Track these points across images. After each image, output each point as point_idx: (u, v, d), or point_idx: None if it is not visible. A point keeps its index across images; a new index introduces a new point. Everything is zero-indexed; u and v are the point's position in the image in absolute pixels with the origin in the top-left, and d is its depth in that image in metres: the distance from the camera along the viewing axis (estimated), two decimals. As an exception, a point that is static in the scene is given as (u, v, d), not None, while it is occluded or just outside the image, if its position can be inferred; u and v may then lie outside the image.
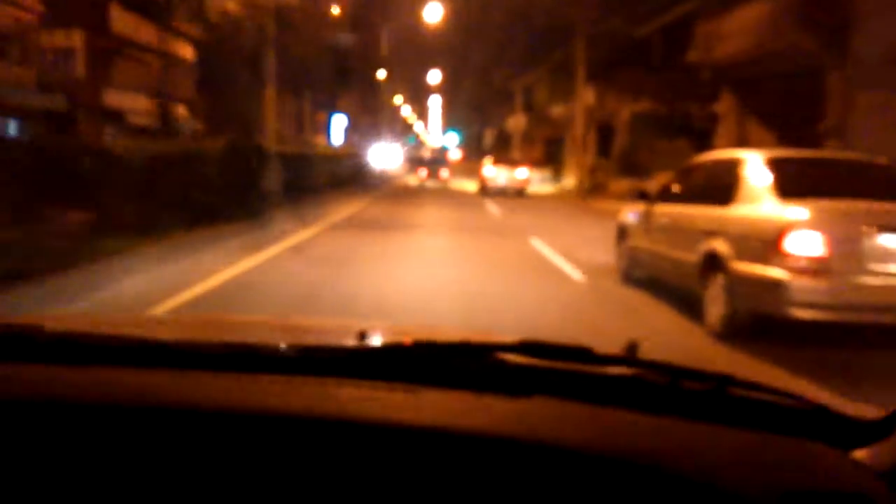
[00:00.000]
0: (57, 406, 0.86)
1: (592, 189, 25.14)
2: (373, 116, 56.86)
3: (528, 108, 40.66)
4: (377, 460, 0.80)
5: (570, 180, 29.05)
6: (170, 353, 1.01)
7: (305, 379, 0.95)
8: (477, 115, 59.96)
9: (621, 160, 24.80)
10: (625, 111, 24.84)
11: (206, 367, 0.97)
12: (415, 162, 34.49)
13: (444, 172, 30.98)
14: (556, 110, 33.16)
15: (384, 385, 0.93)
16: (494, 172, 26.00)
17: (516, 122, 43.73)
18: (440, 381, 0.95)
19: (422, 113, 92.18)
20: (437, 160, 33.41)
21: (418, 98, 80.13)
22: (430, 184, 30.03)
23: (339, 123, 36.73)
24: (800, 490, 0.77)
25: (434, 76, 68.02)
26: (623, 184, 20.56)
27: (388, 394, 0.91)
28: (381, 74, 49.31)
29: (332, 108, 39.30)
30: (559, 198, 25.73)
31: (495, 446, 0.81)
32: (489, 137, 57.36)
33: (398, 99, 58.33)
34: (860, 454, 0.86)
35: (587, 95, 26.74)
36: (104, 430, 0.83)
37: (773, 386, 0.99)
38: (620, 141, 25.43)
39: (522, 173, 26.09)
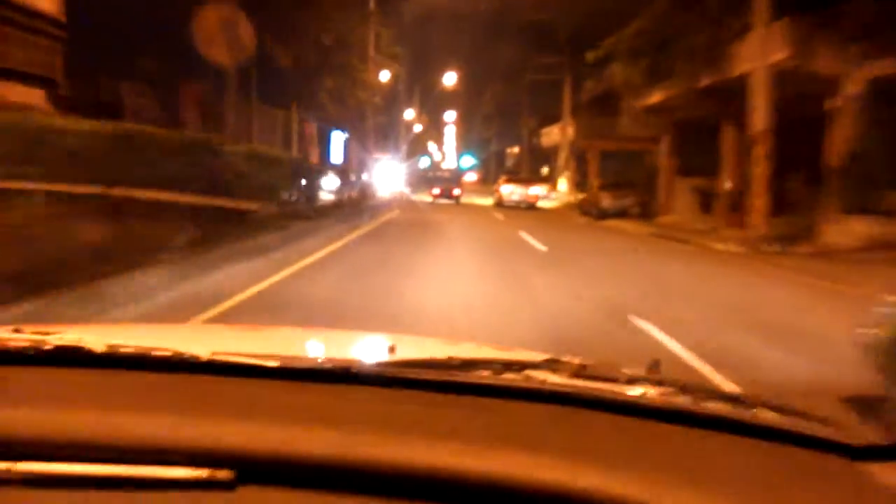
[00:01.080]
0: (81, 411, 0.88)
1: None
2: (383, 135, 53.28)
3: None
4: (413, 478, 0.81)
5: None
6: (204, 365, 1.02)
7: (342, 392, 0.98)
8: (501, 130, 60.04)
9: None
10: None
11: (244, 378, 0.99)
12: (430, 181, 36.19)
13: (456, 191, 32.41)
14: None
15: (417, 398, 0.97)
16: (510, 189, 30.44)
17: (562, 130, 37.55)
18: (475, 394, 0.98)
19: (437, 136, 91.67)
20: (451, 180, 34.92)
21: (434, 122, 79.69)
22: (443, 201, 31.51)
23: (337, 139, 34.18)
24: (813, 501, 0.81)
25: (450, 101, 69.56)
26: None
27: (421, 408, 0.94)
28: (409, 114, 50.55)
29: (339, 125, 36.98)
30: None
31: (526, 458, 0.82)
32: (511, 157, 58.60)
33: (409, 113, 55.87)
34: (874, 471, 0.88)
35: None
36: (123, 439, 0.84)
37: (791, 406, 1.05)
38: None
39: (535, 190, 30.64)
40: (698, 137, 22.41)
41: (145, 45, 16.64)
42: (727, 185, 19.22)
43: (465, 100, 66.02)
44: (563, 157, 34.44)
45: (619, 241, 17.10)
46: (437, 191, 32.61)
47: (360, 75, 25.36)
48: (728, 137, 19.36)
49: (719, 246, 14.61)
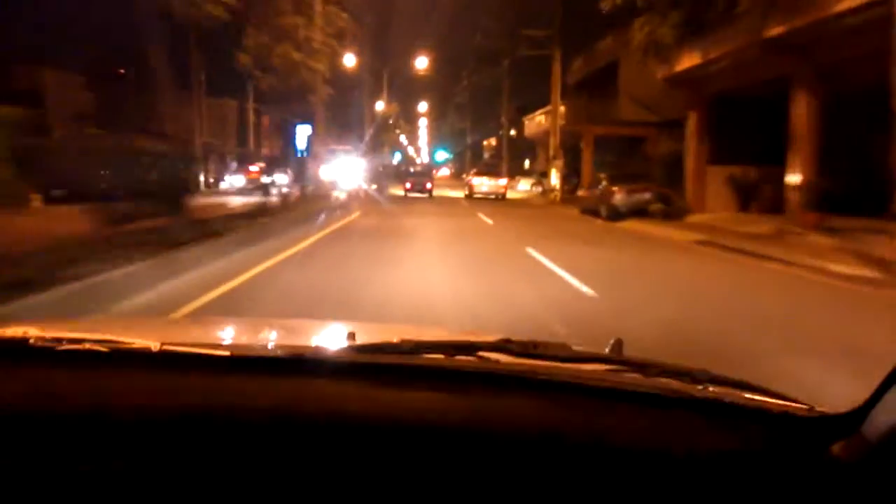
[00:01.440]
0: (47, 409, 0.88)
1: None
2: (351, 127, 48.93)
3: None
4: (368, 457, 0.83)
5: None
6: (163, 358, 1.01)
7: (296, 378, 0.98)
8: (476, 120, 58.44)
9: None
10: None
11: (201, 370, 0.98)
12: (402, 176, 36.37)
13: (429, 185, 32.34)
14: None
15: (372, 383, 0.96)
16: (479, 181, 32.14)
17: (553, 114, 31.41)
18: (424, 378, 0.98)
19: (411, 130, 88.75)
20: (423, 174, 34.66)
21: (406, 114, 75.81)
22: (415, 195, 31.29)
23: (303, 133, 33.45)
24: (758, 475, 0.82)
25: (423, 91, 65.50)
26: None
27: (377, 391, 0.94)
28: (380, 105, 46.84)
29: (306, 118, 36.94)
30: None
31: (478, 439, 0.85)
32: (488, 149, 58.28)
33: (379, 105, 51.75)
34: (833, 445, 0.87)
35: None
36: (101, 437, 0.85)
37: (745, 381, 1.04)
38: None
39: (502, 182, 32.52)
40: (735, 115, 17.43)
41: (75, 30, 14.65)
42: (796, 177, 14.21)
43: (438, 90, 61.96)
44: (554, 144, 30.29)
45: (669, 260, 11.16)
46: (409, 185, 32.49)
47: (299, 33, 18.74)
48: (802, 111, 14.09)
49: (840, 268, 9.02)
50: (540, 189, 35.44)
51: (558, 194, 29.08)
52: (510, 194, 33.88)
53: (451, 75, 52.72)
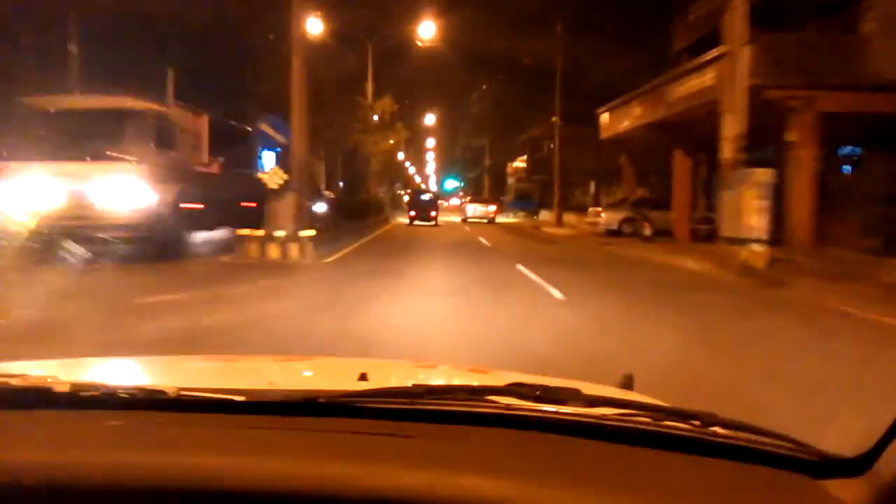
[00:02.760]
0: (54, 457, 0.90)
1: None
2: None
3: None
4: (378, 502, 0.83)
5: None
6: (176, 402, 1.03)
7: (309, 424, 0.99)
8: (498, 137, 52.30)
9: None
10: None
11: (212, 413, 1.01)
12: (409, 205, 36.48)
13: (433, 213, 33.21)
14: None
15: (384, 427, 0.98)
16: (472, 207, 37.85)
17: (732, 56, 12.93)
18: (438, 421, 1.01)
19: (418, 160, 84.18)
20: (428, 202, 34.77)
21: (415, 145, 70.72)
22: (420, 223, 32.45)
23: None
24: None
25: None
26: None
27: (387, 439, 0.95)
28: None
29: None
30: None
31: (485, 491, 0.84)
32: (514, 173, 51.88)
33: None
34: (835, 488, 0.88)
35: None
36: (101, 484, 0.86)
37: (754, 425, 1.02)
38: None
39: (491, 208, 37.08)
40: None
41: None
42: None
43: (449, 98, 56.00)
44: (734, 129, 12.43)
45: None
46: (413, 213, 33.29)
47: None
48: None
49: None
50: (647, 232, 19.65)
51: (763, 255, 11.69)
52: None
53: (466, 82, 46.81)
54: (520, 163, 49.74)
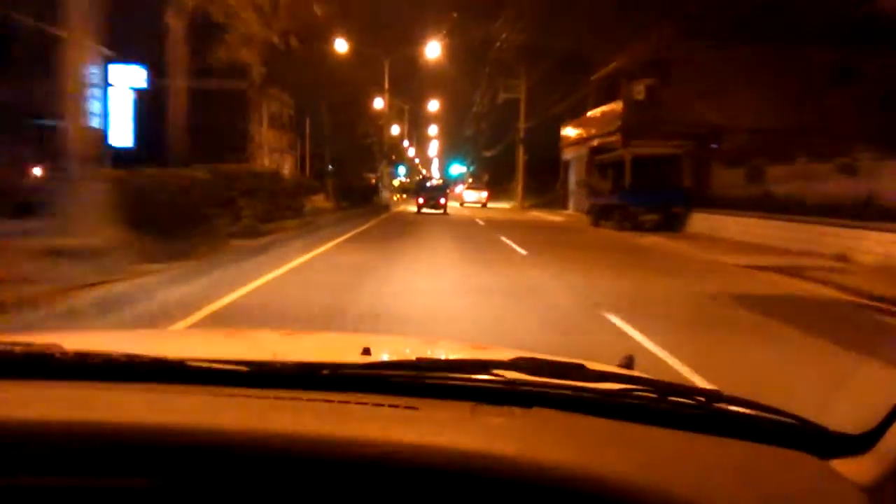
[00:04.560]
0: (73, 426, 0.89)
1: None
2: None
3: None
4: (379, 478, 0.84)
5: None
6: (182, 372, 1.03)
7: (313, 395, 0.98)
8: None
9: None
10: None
11: (217, 385, 1.00)
12: (416, 192, 37.05)
13: (442, 200, 32.83)
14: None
15: (388, 400, 0.98)
16: (468, 193, 43.23)
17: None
18: (440, 397, 1.00)
19: (419, 146, 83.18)
20: (438, 188, 35.16)
21: (415, 130, 70.77)
22: (428, 210, 32.27)
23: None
24: (781, 499, 0.81)
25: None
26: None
27: (391, 410, 0.96)
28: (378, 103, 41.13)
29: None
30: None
31: (489, 462, 0.84)
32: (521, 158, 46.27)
33: (378, 103, 42.66)
34: (841, 466, 0.89)
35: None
36: (115, 448, 0.87)
37: (759, 402, 1.03)
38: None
39: (483, 195, 42.30)
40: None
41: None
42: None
43: (456, 81, 53.78)
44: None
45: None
46: (422, 200, 32.82)
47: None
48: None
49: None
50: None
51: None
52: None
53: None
54: (570, 130, 34.33)
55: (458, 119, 70.07)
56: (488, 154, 62.34)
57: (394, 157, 42.47)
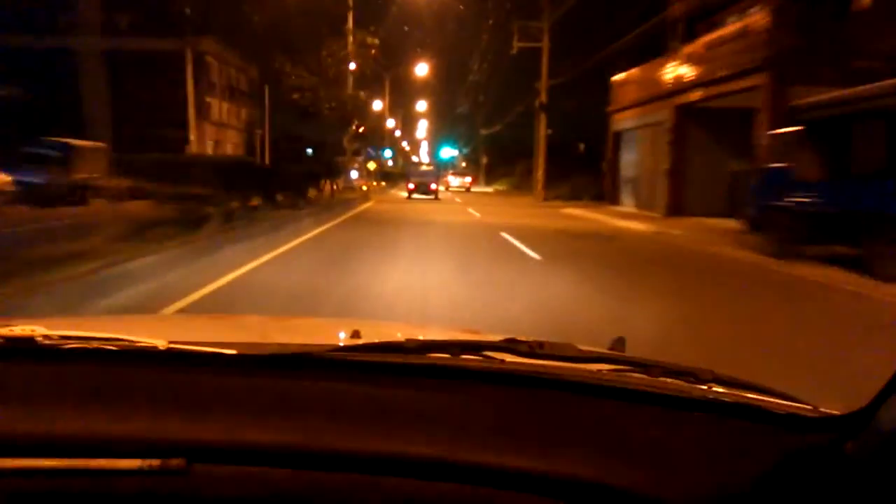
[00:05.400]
0: (55, 408, 0.89)
1: None
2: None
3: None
4: (370, 461, 0.83)
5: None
6: (169, 355, 1.02)
7: (302, 378, 0.98)
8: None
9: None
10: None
11: (201, 368, 0.99)
12: (408, 176, 34.51)
13: (433, 185, 31.51)
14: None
15: (378, 381, 0.97)
16: (453, 179, 46.26)
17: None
18: (431, 377, 0.99)
19: (407, 128, 77.36)
20: (429, 174, 33.48)
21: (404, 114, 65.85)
22: (419, 196, 30.59)
23: None
24: (770, 477, 0.82)
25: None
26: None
27: (382, 391, 0.95)
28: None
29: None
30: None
31: (483, 441, 0.85)
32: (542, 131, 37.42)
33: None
34: (833, 446, 0.88)
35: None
36: (100, 431, 0.86)
37: (749, 381, 1.05)
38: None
39: (467, 180, 47.06)
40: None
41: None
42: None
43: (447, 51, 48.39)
44: None
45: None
46: (412, 185, 31.18)
47: None
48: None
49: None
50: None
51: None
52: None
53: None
54: (626, 83, 23.80)
55: (450, 95, 62.61)
56: (487, 132, 52.88)
57: (361, 128, 30.52)
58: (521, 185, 44.43)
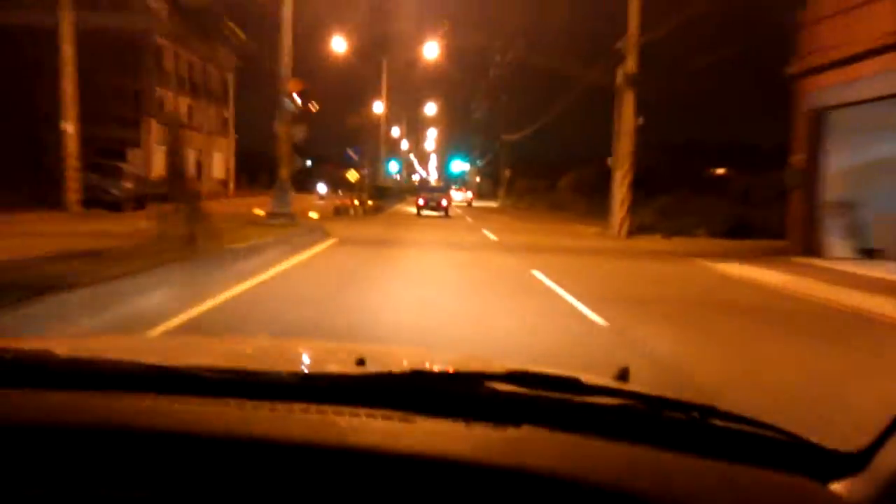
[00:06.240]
0: (67, 432, 0.90)
1: None
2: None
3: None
4: (372, 488, 0.83)
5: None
6: (172, 379, 1.03)
7: (306, 406, 0.98)
8: None
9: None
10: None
11: (208, 393, 0.99)
12: (418, 191, 34.18)
13: (444, 201, 29.85)
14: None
15: (381, 413, 0.97)
16: (456, 194, 42.39)
17: None
18: (434, 410, 0.99)
19: (417, 143, 71.77)
20: (439, 189, 33.52)
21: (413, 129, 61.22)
22: (428, 212, 28.59)
23: None
24: None
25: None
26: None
27: (385, 422, 0.95)
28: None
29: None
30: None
31: (483, 474, 0.84)
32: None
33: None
34: (837, 486, 0.88)
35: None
36: (109, 456, 0.87)
37: (754, 418, 1.02)
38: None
39: (468, 195, 47.96)
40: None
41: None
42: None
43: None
44: None
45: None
46: (422, 201, 29.61)
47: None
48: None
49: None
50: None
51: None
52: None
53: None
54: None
55: (465, 94, 55.88)
56: (512, 138, 44.51)
57: (299, 93, 16.96)
58: (563, 203, 32.59)
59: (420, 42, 34.08)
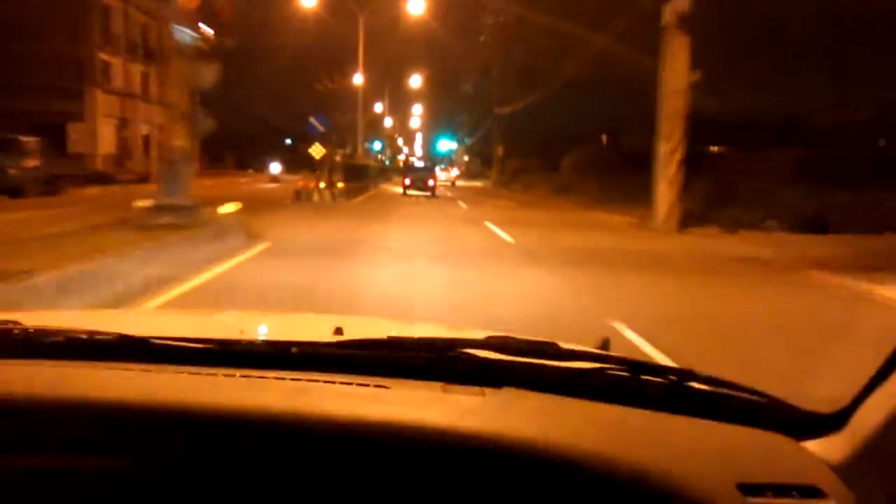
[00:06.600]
0: (38, 402, 0.89)
1: None
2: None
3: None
4: (347, 455, 0.84)
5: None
6: (148, 350, 1.02)
7: (280, 374, 0.97)
8: None
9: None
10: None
11: (180, 363, 0.99)
12: (404, 172, 33.65)
13: (430, 181, 29.19)
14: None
15: (357, 380, 0.97)
16: (440, 174, 41.34)
17: None
18: (410, 376, 0.99)
19: (401, 122, 66.92)
20: (425, 169, 31.91)
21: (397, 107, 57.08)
22: (415, 192, 27.89)
23: None
24: (754, 480, 0.81)
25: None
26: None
27: (360, 389, 0.95)
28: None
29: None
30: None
31: (458, 441, 0.84)
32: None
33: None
34: (814, 446, 0.90)
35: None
36: (81, 426, 0.86)
37: (731, 381, 1.02)
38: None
39: (452, 173, 48.49)
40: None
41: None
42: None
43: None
44: None
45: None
46: (408, 181, 29.29)
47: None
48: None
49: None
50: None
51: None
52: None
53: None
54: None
55: (451, 72, 51.75)
56: (505, 111, 39.29)
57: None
58: (568, 185, 27.94)
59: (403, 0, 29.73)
